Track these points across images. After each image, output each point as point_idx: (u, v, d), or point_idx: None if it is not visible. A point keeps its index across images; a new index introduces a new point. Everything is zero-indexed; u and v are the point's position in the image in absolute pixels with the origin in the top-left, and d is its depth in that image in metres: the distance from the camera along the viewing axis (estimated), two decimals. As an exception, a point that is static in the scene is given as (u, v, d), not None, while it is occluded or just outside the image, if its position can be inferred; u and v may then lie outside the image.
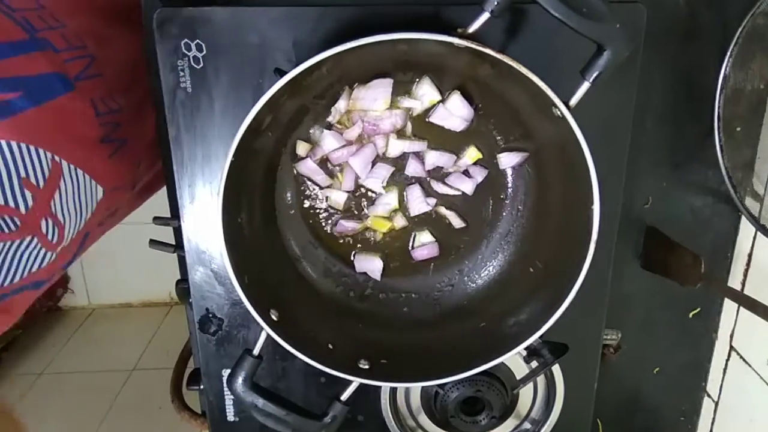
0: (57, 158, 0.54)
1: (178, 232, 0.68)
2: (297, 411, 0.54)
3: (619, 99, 0.58)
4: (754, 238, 0.68)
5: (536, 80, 0.45)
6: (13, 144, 0.49)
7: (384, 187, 0.61)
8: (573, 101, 0.46)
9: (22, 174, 0.50)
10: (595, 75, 0.45)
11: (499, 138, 0.60)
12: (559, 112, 0.46)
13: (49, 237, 0.54)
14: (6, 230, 0.49)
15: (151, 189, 0.82)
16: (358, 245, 0.64)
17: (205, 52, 0.55)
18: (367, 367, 0.55)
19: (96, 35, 0.64)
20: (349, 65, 0.51)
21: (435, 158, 0.60)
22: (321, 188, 0.61)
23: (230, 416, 0.69)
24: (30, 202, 0.51)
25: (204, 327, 0.65)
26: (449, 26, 0.45)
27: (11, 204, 0.49)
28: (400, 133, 0.59)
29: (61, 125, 0.56)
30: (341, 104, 0.57)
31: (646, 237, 0.69)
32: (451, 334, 0.61)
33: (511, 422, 0.71)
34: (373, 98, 0.56)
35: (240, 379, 0.53)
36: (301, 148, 0.59)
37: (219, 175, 0.48)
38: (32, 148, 0.51)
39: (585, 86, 0.46)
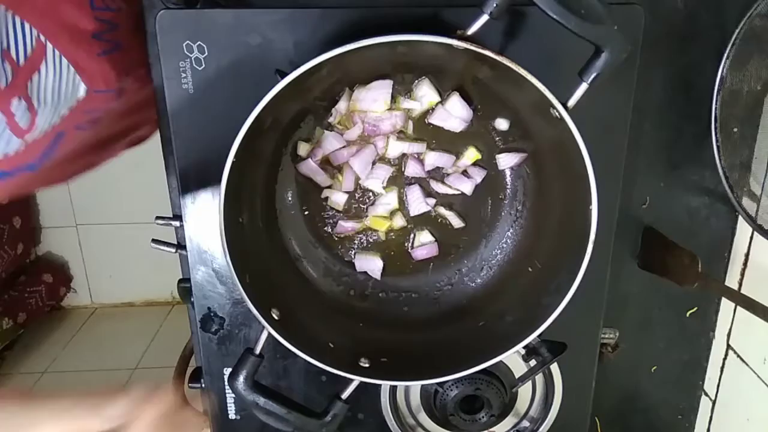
0: (42, 38, 0.51)
1: (179, 232, 0.69)
2: (298, 409, 0.55)
3: (617, 100, 0.58)
4: (751, 237, 0.69)
5: (535, 82, 0.45)
6: (5, 11, 0.46)
7: (384, 188, 0.61)
8: (571, 102, 0.46)
9: (4, 45, 0.47)
10: (593, 76, 0.45)
11: (497, 139, 0.60)
12: (557, 114, 0.46)
13: (19, 120, 0.51)
14: None
15: (139, 111, 0.76)
16: (359, 245, 0.65)
17: (206, 53, 0.56)
18: (367, 365, 0.55)
19: None
20: (349, 67, 0.51)
21: (434, 159, 0.60)
22: (321, 189, 0.62)
23: (231, 414, 0.70)
24: (8, 77, 0.48)
25: (205, 326, 0.66)
26: (448, 28, 0.45)
27: None
28: (402, 133, 0.59)
29: (51, 6, 0.53)
30: (342, 105, 0.57)
31: (644, 237, 0.70)
32: (450, 333, 0.61)
33: (509, 420, 0.71)
34: (373, 99, 0.56)
35: (241, 378, 0.54)
36: (302, 148, 0.59)
37: (220, 175, 0.48)
38: (17, 18, 0.48)
39: (583, 87, 0.46)
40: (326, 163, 0.60)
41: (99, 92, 0.60)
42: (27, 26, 0.49)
